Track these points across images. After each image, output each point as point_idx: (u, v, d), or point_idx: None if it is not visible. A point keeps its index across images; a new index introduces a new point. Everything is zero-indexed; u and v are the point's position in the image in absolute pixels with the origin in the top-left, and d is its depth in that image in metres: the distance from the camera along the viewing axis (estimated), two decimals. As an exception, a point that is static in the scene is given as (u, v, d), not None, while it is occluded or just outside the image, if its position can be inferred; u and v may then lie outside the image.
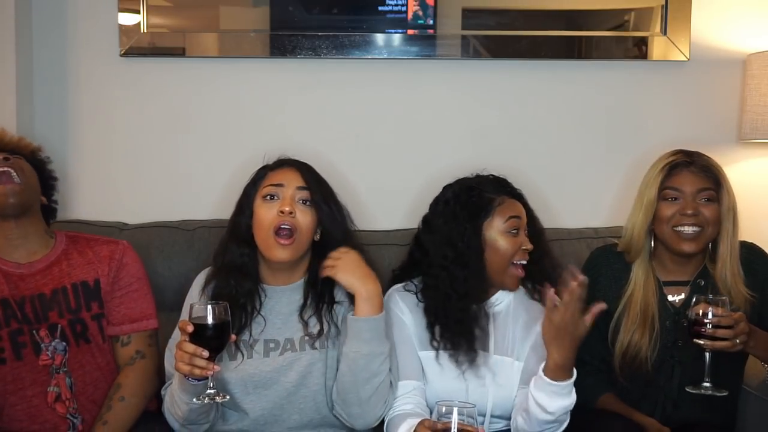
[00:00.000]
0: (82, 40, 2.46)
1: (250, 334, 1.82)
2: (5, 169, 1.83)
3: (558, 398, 1.68)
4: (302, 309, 1.84)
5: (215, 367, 1.56)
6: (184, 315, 1.85)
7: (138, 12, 2.42)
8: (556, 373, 1.67)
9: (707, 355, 1.71)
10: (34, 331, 1.86)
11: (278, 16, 2.44)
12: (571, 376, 1.69)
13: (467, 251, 1.83)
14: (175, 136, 2.49)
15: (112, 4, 2.42)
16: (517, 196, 1.90)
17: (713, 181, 1.88)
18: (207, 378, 1.59)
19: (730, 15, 2.50)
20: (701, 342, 1.69)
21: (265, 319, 1.84)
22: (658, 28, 2.48)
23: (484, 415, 1.83)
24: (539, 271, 1.87)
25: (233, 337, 1.63)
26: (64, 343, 1.88)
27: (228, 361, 1.79)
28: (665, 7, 2.46)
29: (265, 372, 1.79)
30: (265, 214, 1.79)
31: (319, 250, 1.85)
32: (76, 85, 2.46)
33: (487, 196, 1.86)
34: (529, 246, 1.83)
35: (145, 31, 2.43)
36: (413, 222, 2.36)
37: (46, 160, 2.03)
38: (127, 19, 2.43)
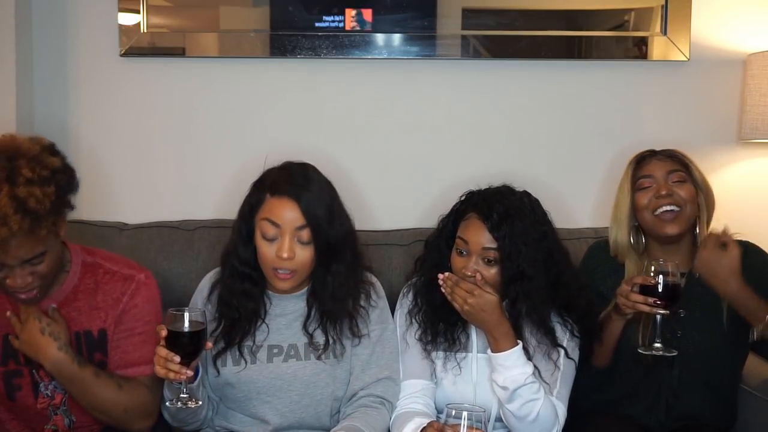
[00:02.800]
0: (82, 40, 2.45)
1: (254, 341, 1.82)
2: (29, 297, 1.67)
3: (506, 370, 1.74)
4: (306, 321, 1.84)
5: (187, 372, 1.58)
6: None
7: (138, 12, 2.42)
8: (496, 346, 1.76)
9: (658, 317, 1.78)
10: (34, 371, 1.77)
11: (278, 16, 2.44)
12: (512, 345, 1.75)
13: (436, 257, 1.91)
14: (176, 136, 2.48)
15: (112, 4, 2.42)
16: (487, 219, 1.79)
17: (680, 163, 1.96)
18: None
19: (730, 15, 2.50)
20: (656, 308, 1.76)
21: (268, 326, 1.84)
22: (658, 28, 2.48)
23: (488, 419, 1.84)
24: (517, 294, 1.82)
25: (209, 345, 1.64)
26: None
27: (232, 366, 1.80)
28: (665, 7, 2.46)
29: (268, 378, 1.80)
30: (266, 251, 1.75)
31: (324, 271, 1.83)
32: (76, 85, 2.46)
33: (467, 209, 1.86)
34: (469, 273, 1.78)
35: (145, 31, 2.43)
36: (413, 222, 2.38)
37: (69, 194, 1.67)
38: (127, 19, 2.43)
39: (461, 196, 1.93)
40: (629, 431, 1.90)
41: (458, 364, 1.86)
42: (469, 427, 1.39)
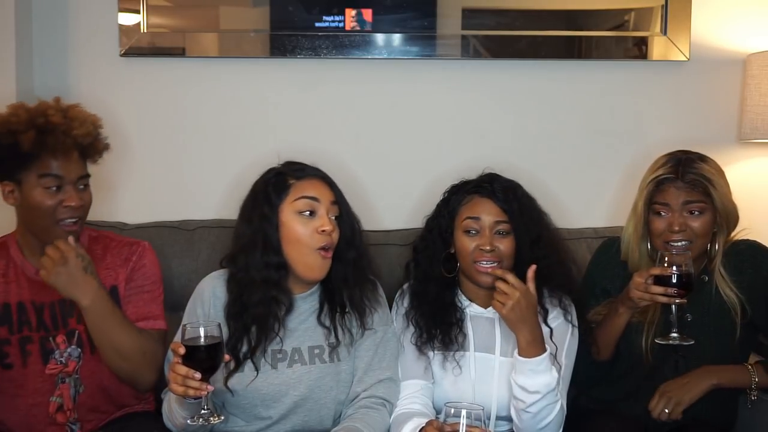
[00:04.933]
0: (82, 40, 2.46)
1: (264, 349, 1.80)
2: (73, 228, 1.83)
3: (537, 375, 1.72)
4: (320, 315, 1.83)
5: (209, 387, 1.55)
6: (186, 320, 1.85)
7: (138, 12, 2.42)
8: (529, 350, 1.72)
9: (674, 307, 1.79)
10: (51, 338, 1.85)
11: (278, 16, 2.44)
12: (544, 349, 1.73)
13: (429, 256, 1.92)
14: (175, 136, 2.49)
15: (112, 4, 2.42)
16: (492, 194, 1.86)
17: (701, 192, 1.86)
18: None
19: (730, 15, 2.50)
20: (674, 297, 1.76)
21: (281, 339, 1.81)
22: (658, 28, 2.48)
23: (489, 417, 1.84)
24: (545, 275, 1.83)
25: (227, 357, 1.63)
26: (79, 350, 1.86)
27: (237, 374, 1.78)
28: (665, 7, 2.47)
29: (274, 385, 1.78)
30: (303, 230, 1.76)
31: (347, 251, 1.85)
32: (76, 85, 2.46)
33: (461, 194, 1.91)
34: (488, 247, 1.80)
35: (145, 31, 2.43)
36: (413, 222, 2.37)
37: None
38: (127, 19, 2.43)
39: (443, 194, 1.97)
40: (629, 430, 1.90)
41: (457, 363, 1.85)
42: (468, 425, 1.39)
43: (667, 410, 1.84)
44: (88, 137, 1.85)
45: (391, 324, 1.91)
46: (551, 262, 1.85)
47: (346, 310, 1.83)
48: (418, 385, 1.85)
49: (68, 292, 1.76)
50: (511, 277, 1.73)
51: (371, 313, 1.85)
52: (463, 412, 1.40)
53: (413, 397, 1.84)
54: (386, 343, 1.87)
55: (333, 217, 1.81)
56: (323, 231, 1.76)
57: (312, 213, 1.78)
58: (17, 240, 1.89)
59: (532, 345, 1.72)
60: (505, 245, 1.82)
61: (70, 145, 1.80)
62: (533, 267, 1.75)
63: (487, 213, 1.84)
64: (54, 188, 1.79)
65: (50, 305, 1.86)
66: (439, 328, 1.86)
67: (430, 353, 1.87)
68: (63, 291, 1.76)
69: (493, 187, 1.87)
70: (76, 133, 1.80)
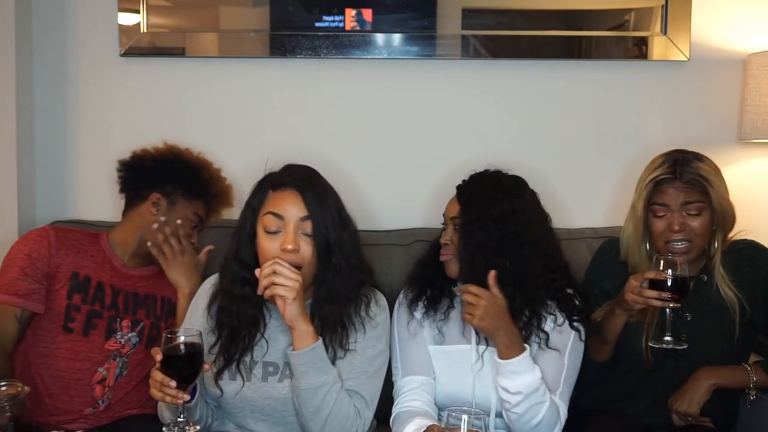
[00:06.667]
0: (82, 40, 2.46)
1: (251, 357, 1.77)
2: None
3: (517, 376, 1.72)
4: None
5: (184, 396, 1.54)
6: (188, 319, 1.86)
7: (138, 12, 2.42)
8: (508, 352, 1.74)
9: (668, 311, 1.79)
10: (118, 320, 2.02)
11: (278, 16, 2.44)
12: (523, 349, 1.74)
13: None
14: (175, 136, 2.46)
15: (112, 4, 2.43)
16: (459, 192, 1.90)
17: (699, 191, 1.86)
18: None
19: (730, 15, 2.50)
20: (668, 302, 1.76)
21: (267, 342, 1.79)
22: (658, 28, 2.48)
23: (488, 415, 1.83)
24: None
25: (206, 366, 1.60)
26: (138, 338, 2.04)
27: (228, 381, 1.76)
28: (665, 7, 2.47)
29: (263, 398, 1.76)
30: (269, 247, 1.70)
31: (323, 270, 1.76)
32: (76, 85, 2.46)
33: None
34: (443, 240, 1.87)
35: (145, 31, 2.43)
36: (413, 221, 2.38)
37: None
38: (127, 19, 2.43)
39: None
40: (630, 430, 1.90)
41: (458, 356, 1.85)
42: (470, 430, 1.38)
43: (690, 420, 1.88)
44: (225, 205, 2.20)
45: (381, 340, 1.83)
46: (518, 260, 1.79)
47: (333, 329, 1.76)
48: (419, 381, 1.85)
49: (173, 278, 2.04)
50: (472, 288, 1.74)
51: (356, 331, 1.77)
52: (464, 418, 1.39)
53: (414, 392, 1.83)
54: (368, 362, 1.79)
55: (303, 234, 1.71)
56: (284, 249, 1.69)
57: (276, 232, 1.71)
58: (108, 238, 2.09)
59: (510, 347, 1.73)
60: (458, 239, 1.85)
61: (214, 194, 2.15)
62: (492, 273, 1.75)
63: (450, 210, 1.90)
64: (194, 225, 2.11)
65: (125, 293, 2.04)
66: (431, 288, 1.91)
67: (431, 348, 1.87)
68: (172, 275, 2.04)
69: (462, 184, 1.92)
70: (226, 185, 2.19)
